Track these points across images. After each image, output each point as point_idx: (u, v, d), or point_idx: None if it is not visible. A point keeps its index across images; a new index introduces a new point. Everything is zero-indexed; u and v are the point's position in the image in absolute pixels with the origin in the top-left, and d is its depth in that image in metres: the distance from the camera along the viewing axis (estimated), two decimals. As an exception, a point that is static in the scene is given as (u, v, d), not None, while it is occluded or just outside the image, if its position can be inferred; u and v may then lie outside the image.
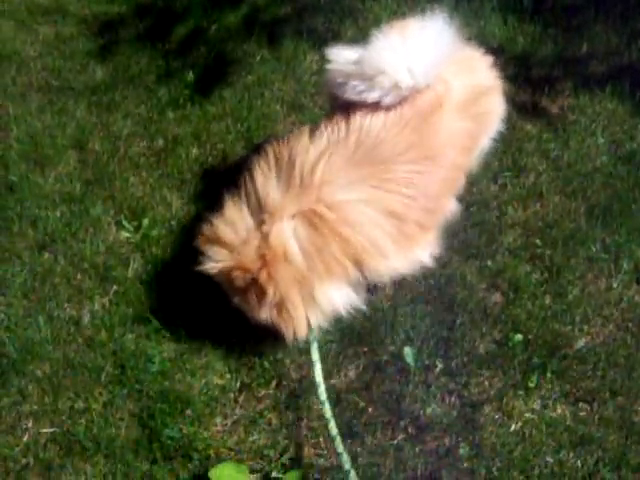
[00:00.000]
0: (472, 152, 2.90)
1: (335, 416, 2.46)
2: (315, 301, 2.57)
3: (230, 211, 2.63)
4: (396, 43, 2.63)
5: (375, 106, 2.63)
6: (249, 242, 2.51)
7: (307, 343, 2.64)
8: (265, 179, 2.61)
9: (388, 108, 2.63)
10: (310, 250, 2.50)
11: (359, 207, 2.53)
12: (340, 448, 2.39)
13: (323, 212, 2.48)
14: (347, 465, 2.35)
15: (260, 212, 2.55)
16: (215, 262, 2.58)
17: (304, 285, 2.53)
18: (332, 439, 2.42)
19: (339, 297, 2.63)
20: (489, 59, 2.96)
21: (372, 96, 2.60)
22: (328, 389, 2.70)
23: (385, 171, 2.55)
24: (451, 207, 2.83)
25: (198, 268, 2.60)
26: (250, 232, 2.54)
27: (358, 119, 2.62)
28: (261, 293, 2.50)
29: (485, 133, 2.99)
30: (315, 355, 2.59)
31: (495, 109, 3.00)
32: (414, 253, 2.68)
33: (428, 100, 2.65)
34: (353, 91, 2.64)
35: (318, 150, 2.58)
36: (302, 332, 2.59)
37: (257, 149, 2.78)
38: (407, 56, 2.59)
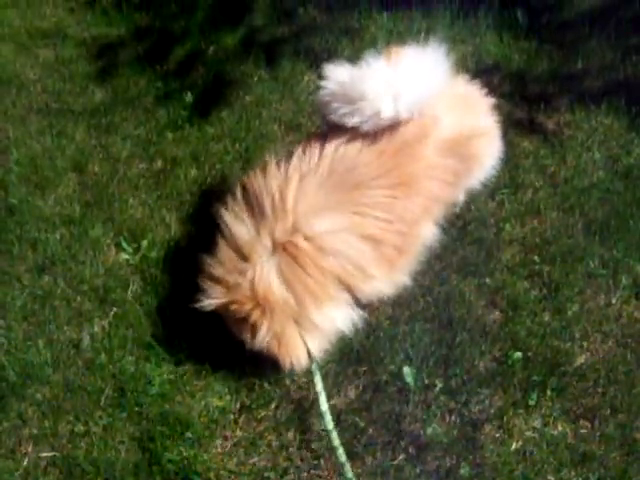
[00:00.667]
0: (455, 188, 2.88)
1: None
2: (315, 326, 2.59)
3: (219, 250, 2.66)
4: (384, 70, 2.60)
5: (354, 131, 2.61)
6: (240, 284, 2.54)
7: (310, 373, 2.65)
8: (236, 219, 2.63)
9: (366, 134, 2.61)
10: (296, 282, 2.52)
11: (336, 235, 2.54)
12: (349, 474, 2.41)
13: (300, 244, 2.50)
14: None
15: (240, 251, 2.58)
16: (211, 298, 2.61)
17: (299, 316, 2.56)
18: (341, 465, 2.44)
19: (339, 317, 2.65)
20: (490, 101, 2.95)
21: (352, 121, 2.58)
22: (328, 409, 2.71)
23: (359, 195, 2.55)
24: (429, 233, 2.83)
25: (195, 305, 2.63)
26: (239, 274, 2.56)
27: (333, 145, 2.62)
28: (255, 330, 2.54)
29: (472, 175, 2.97)
30: (319, 385, 2.60)
31: (487, 153, 2.98)
32: (395, 275, 2.69)
33: (411, 131, 2.63)
34: (335, 113, 2.63)
35: (286, 178, 2.58)
36: (302, 363, 2.62)
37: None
38: (393, 85, 2.55)
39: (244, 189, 2.69)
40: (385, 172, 2.58)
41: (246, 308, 2.51)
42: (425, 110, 2.65)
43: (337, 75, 2.66)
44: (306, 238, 2.51)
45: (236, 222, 2.63)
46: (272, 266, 2.53)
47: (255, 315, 2.51)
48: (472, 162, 2.88)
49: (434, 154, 2.67)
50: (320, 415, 2.58)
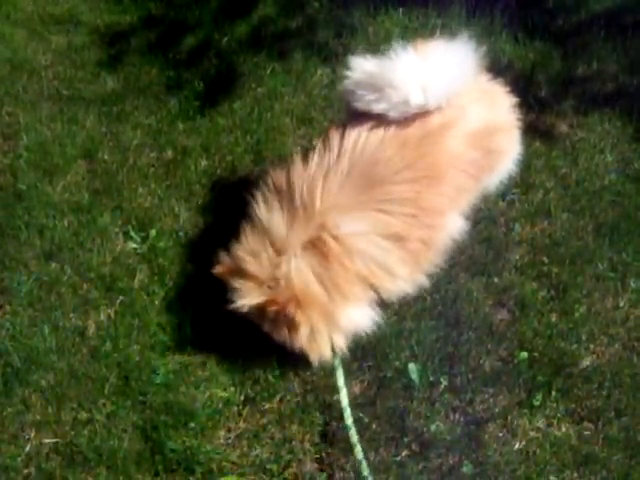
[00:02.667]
0: (477, 181, 2.85)
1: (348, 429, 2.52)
2: (339, 325, 2.60)
3: (250, 242, 2.62)
4: (413, 60, 2.62)
5: (375, 121, 2.61)
6: (277, 279, 2.52)
7: (333, 369, 2.68)
8: (269, 211, 2.62)
9: (387, 125, 2.61)
10: (325, 278, 2.51)
11: (362, 237, 2.54)
12: (366, 472, 2.43)
13: (328, 241, 2.50)
14: None
15: (274, 245, 2.56)
16: (247, 299, 2.57)
17: (329, 312, 2.55)
18: (358, 463, 2.46)
19: (361, 317, 2.66)
20: (512, 99, 2.94)
21: (378, 107, 2.59)
22: (332, 404, 2.72)
23: (383, 192, 2.55)
24: (455, 225, 2.81)
25: (230, 307, 2.59)
26: (274, 268, 2.54)
27: (352, 137, 2.61)
28: (294, 328, 2.52)
29: (493, 171, 2.95)
30: (341, 380, 2.62)
31: (508, 150, 2.97)
32: (421, 270, 2.68)
33: (435, 121, 2.63)
34: (362, 100, 2.63)
35: (311, 174, 2.59)
36: (327, 356, 2.62)
37: (266, 166, 2.77)
38: (422, 75, 2.57)
39: (273, 183, 2.68)
40: (408, 165, 2.56)
41: (285, 306, 2.47)
42: (452, 101, 2.65)
43: (364, 65, 2.68)
44: (332, 237, 2.51)
45: (269, 213, 2.61)
46: (305, 260, 2.52)
47: (293, 311, 2.46)
48: (494, 157, 2.87)
49: (459, 145, 2.66)
50: (341, 410, 2.59)
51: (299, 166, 2.65)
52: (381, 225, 2.54)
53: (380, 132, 2.61)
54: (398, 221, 2.55)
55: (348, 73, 2.70)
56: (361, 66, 2.68)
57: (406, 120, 2.61)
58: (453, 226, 2.80)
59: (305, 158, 2.68)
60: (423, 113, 2.62)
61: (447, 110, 2.65)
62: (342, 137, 2.64)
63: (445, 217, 2.72)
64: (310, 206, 2.52)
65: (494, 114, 2.82)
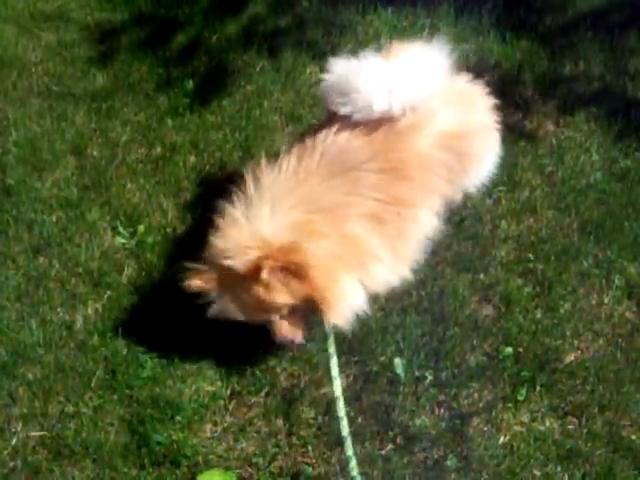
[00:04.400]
0: (451, 185, 2.84)
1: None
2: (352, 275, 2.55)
3: (226, 233, 2.53)
4: (380, 65, 2.65)
5: (348, 120, 2.64)
6: (264, 238, 2.42)
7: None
8: (245, 205, 2.56)
9: (359, 124, 2.64)
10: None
11: (340, 214, 2.53)
12: (355, 471, 2.40)
13: (310, 218, 2.48)
14: None
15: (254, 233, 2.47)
16: (238, 259, 2.41)
17: (342, 262, 2.50)
18: (347, 459, 2.42)
19: (353, 290, 2.57)
20: (491, 101, 2.94)
21: (345, 110, 2.63)
22: (318, 398, 2.73)
23: (352, 178, 2.56)
24: (428, 221, 2.79)
25: (228, 263, 2.42)
26: (259, 231, 2.45)
27: (325, 132, 2.65)
28: (303, 275, 2.40)
29: (467, 173, 2.93)
30: (335, 371, 2.55)
31: (483, 153, 2.96)
32: (398, 262, 2.69)
33: (404, 123, 2.65)
34: (332, 102, 2.68)
35: (288, 168, 2.61)
36: (342, 318, 2.54)
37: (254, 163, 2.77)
38: (388, 80, 2.59)
39: (246, 182, 2.64)
40: (375, 156, 2.59)
41: (284, 254, 2.36)
42: (420, 107, 2.65)
43: (336, 68, 2.70)
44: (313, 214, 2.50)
45: (245, 208, 2.55)
46: (291, 222, 2.47)
47: (300, 257, 2.37)
48: (468, 160, 2.86)
49: (427, 146, 2.67)
50: (334, 401, 2.54)
51: (274, 162, 2.67)
52: (358, 206, 2.55)
53: (350, 128, 2.64)
54: (372, 205, 2.56)
55: (325, 75, 2.74)
56: (334, 69, 2.71)
57: (376, 120, 2.64)
58: (426, 223, 2.77)
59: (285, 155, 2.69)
60: (390, 117, 2.63)
61: (417, 112, 2.66)
62: (316, 133, 2.67)
63: (416, 210, 2.71)
64: (285, 193, 2.52)
65: (468, 116, 2.82)
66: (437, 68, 2.71)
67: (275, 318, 2.59)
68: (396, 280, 2.73)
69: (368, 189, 2.57)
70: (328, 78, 2.72)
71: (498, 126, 2.99)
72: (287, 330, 2.61)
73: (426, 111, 2.67)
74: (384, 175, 2.59)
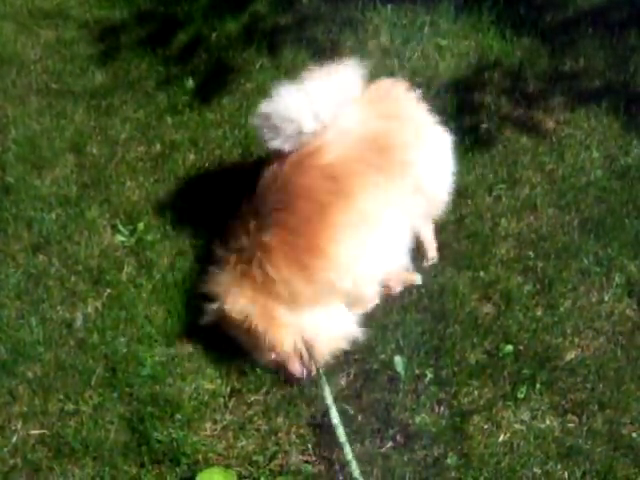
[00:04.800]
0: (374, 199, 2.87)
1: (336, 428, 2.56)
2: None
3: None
4: (297, 92, 2.80)
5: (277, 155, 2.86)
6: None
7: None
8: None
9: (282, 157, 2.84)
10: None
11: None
12: (357, 473, 2.45)
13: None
14: None
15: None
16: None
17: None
18: (347, 463, 2.49)
19: (330, 318, 2.88)
20: (423, 111, 3.05)
21: (275, 144, 2.81)
22: (318, 397, 2.73)
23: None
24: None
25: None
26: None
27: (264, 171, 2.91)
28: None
29: (401, 186, 2.92)
30: (329, 399, 2.65)
31: (419, 162, 2.96)
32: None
33: (304, 150, 2.82)
34: (263, 138, 2.87)
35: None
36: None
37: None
38: (309, 102, 2.75)
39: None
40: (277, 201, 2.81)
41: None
42: (336, 123, 2.83)
43: (263, 107, 2.87)
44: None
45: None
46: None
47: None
48: (398, 170, 2.89)
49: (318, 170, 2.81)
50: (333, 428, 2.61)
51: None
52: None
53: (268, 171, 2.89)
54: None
55: (253, 117, 2.99)
56: (261, 109, 2.87)
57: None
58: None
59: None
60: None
61: (325, 133, 2.81)
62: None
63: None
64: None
65: (389, 124, 2.91)
66: (349, 85, 2.88)
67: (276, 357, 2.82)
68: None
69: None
70: (257, 117, 2.89)
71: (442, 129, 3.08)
72: (293, 367, 2.80)
73: (329, 129, 2.83)
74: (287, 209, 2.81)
